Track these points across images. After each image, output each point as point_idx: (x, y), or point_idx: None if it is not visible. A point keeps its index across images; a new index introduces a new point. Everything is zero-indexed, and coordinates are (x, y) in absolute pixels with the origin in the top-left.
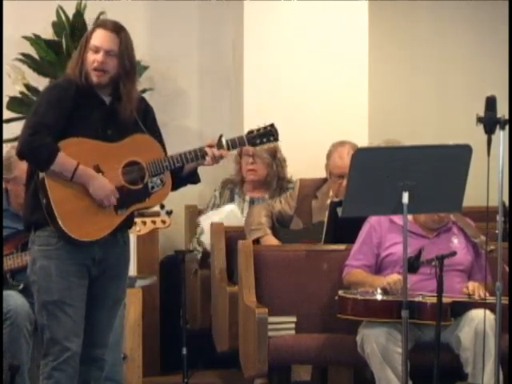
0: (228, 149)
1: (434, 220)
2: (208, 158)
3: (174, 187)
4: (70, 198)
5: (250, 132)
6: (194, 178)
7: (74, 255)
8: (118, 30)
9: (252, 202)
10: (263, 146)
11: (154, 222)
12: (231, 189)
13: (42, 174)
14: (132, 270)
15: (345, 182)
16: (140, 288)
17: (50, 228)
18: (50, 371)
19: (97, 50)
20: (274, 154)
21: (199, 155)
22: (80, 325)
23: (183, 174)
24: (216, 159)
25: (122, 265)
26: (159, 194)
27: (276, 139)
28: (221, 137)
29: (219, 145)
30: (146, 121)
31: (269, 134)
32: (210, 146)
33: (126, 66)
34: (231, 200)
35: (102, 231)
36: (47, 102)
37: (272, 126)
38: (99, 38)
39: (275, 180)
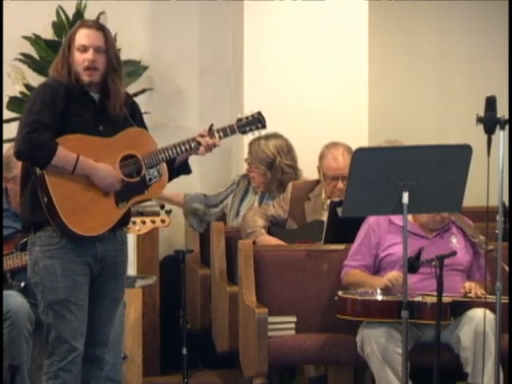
0: (220, 137)
1: (436, 220)
2: (202, 148)
3: (168, 179)
4: (71, 195)
5: (240, 120)
6: (186, 169)
7: (76, 253)
8: (101, 27)
9: (263, 197)
10: (253, 134)
11: (153, 222)
12: (249, 180)
13: (39, 172)
14: (132, 270)
15: (340, 184)
16: (140, 288)
17: (50, 228)
18: (57, 371)
19: (85, 49)
20: (272, 161)
21: (192, 145)
22: (84, 324)
23: (175, 165)
24: (209, 148)
25: (120, 263)
26: (157, 186)
27: (264, 126)
28: (211, 126)
29: (210, 134)
30: (134, 116)
31: (257, 121)
32: (202, 136)
33: (113, 61)
34: (246, 190)
35: (105, 226)
36: (41, 102)
37: (259, 113)
38: (85, 37)
39: (274, 186)
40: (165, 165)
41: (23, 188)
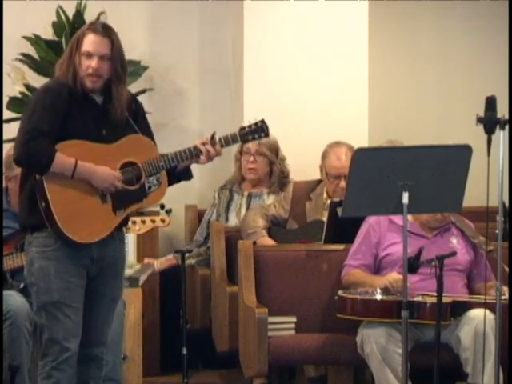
0: (221, 146)
1: (437, 219)
2: (203, 157)
3: (168, 184)
4: (70, 201)
5: (242, 128)
6: (187, 175)
7: (72, 256)
8: (108, 33)
9: (250, 196)
10: (255, 142)
11: (153, 221)
12: (230, 188)
13: (38, 177)
14: (132, 270)
15: (342, 183)
16: (140, 288)
17: (47, 229)
18: (50, 371)
19: (90, 56)
20: (277, 151)
21: (193, 153)
22: (78, 325)
23: (176, 171)
24: (210, 157)
25: (119, 263)
26: (156, 194)
27: (266, 135)
28: (214, 134)
29: (213, 142)
30: (137, 118)
31: (260, 129)
32: (204, 144)
33: (118, 69)
34: (230, 199)
35: (101, 233)
36: (41, 107)
37: (263, 121)
38: (91, 44)
39: (277, 177)
40: (165, 172)
41: (22, 188)
